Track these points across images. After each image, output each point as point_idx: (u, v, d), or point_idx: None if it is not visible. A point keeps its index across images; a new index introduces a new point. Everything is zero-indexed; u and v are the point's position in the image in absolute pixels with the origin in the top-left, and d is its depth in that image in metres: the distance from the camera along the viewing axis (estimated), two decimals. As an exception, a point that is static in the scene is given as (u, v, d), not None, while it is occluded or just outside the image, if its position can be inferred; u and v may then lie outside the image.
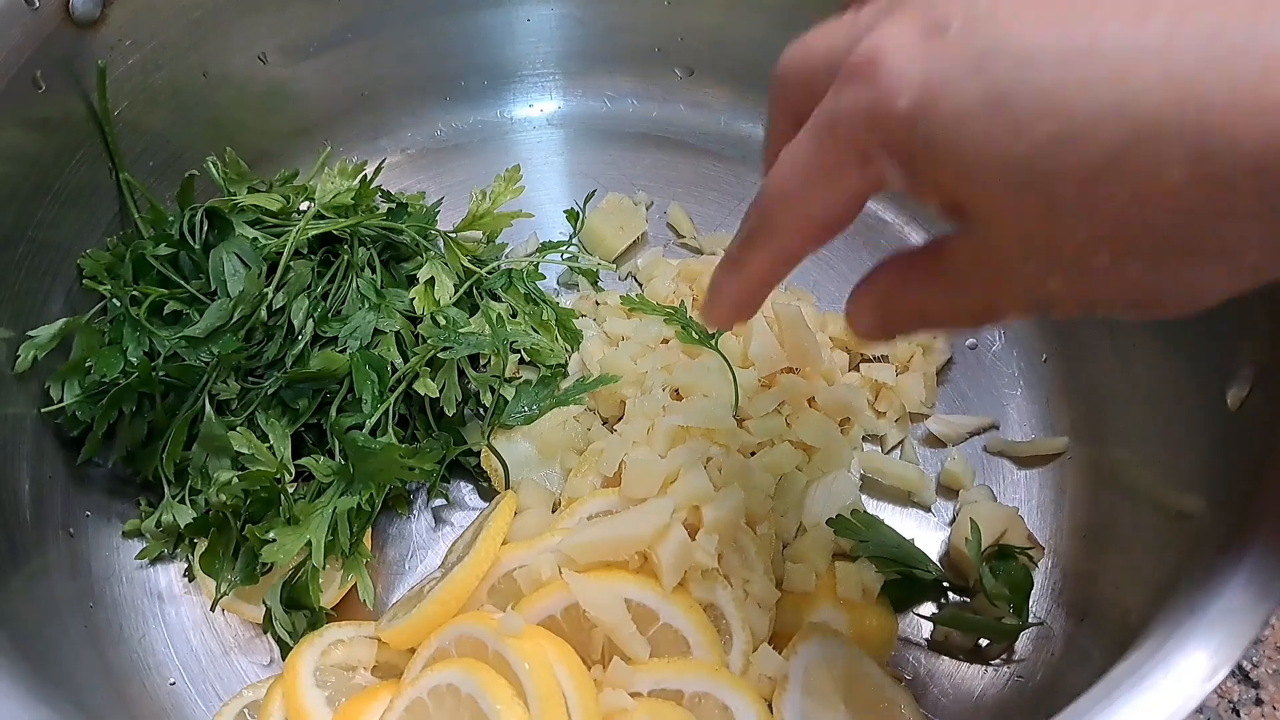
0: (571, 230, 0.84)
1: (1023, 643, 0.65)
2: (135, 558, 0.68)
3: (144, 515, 0.68)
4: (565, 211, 0.85)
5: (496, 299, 0.77)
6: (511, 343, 0.72)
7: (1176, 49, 0.29)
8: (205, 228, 0.69)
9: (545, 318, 0.76)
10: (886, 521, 0.68)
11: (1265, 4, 0.29)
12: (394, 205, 0.78)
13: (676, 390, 0.73)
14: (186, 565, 0.68)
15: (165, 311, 0.67)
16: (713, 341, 0.73)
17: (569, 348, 0.76)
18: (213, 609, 0.64)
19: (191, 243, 0.69)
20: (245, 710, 0.60)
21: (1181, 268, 0.33)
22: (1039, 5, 0.31)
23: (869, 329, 0.42)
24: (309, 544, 0.60)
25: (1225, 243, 0.31)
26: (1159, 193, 0.30)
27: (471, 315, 0.74)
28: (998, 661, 0.65)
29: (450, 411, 0.69)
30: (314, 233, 0.71)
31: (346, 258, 0.72)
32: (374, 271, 0.73)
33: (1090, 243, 0.33)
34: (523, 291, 0.77)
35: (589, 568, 0.61)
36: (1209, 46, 0.29)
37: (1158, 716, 0.42)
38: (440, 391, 0.69)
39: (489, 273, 0.77)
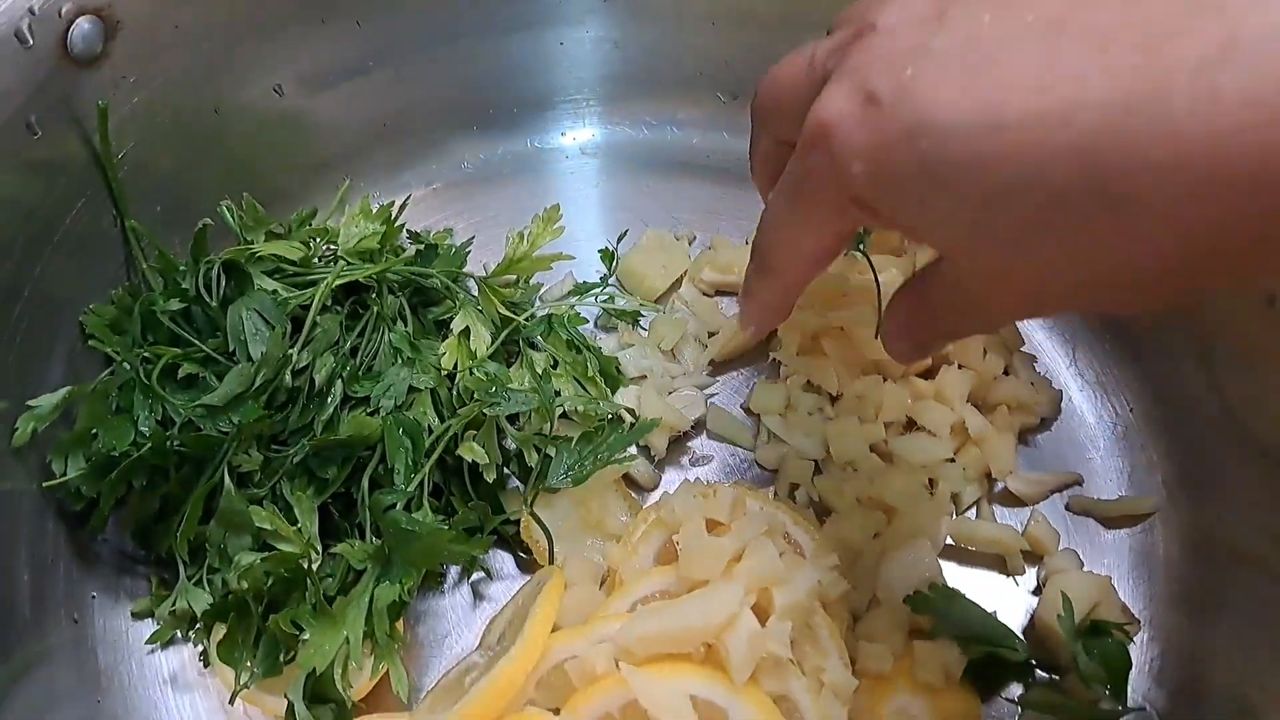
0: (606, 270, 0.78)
1: (1122, 730, 0.59)
2: (146, 641, 0.62)
3: (155, 597, 0.62)
4: (599, 251, 0.79)
5: (534, 347, 0.71)
6: (557, 393, 0.66)
7: (1078, 119, 0.32)
8: (223, 282, 0.64)
9: (590, 372, 0.70)
10: (964, 591, 0.62)
11: (1150, 69, 0.31)
12: (422, 247, 0.72)
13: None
14: (202, 649, 0.62)
15: (179, 374, 0.61)
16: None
17: (615, 405, 0.70)
18: (231, 702, 0.58)
19: (208, 299, 0.63)
20: (270, 821, 0.54)
21: (1121, 291, 0.36)
22: (954, 73, 0.35)
23: (906, 354, 0.49)
24: (345, 640, 0.54)
25: (1143, 272, 0.35)
26: (1088, 236, 0.34)
27: (509, 365, 0.68)
28: (1095, 751, 0.59)
29: (490, 477, 0.63)
30: (340, 282, 0.65)
31: (376, 309, 0.66)
32: (405, 323, 0.67)
33: (1041, 271, 0.37)
34: (564, 338, 0.71)
35: (648, 659, 0.55)
36: (1105, 116, 0.32)
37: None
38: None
39: (527, 319, 0.71)
